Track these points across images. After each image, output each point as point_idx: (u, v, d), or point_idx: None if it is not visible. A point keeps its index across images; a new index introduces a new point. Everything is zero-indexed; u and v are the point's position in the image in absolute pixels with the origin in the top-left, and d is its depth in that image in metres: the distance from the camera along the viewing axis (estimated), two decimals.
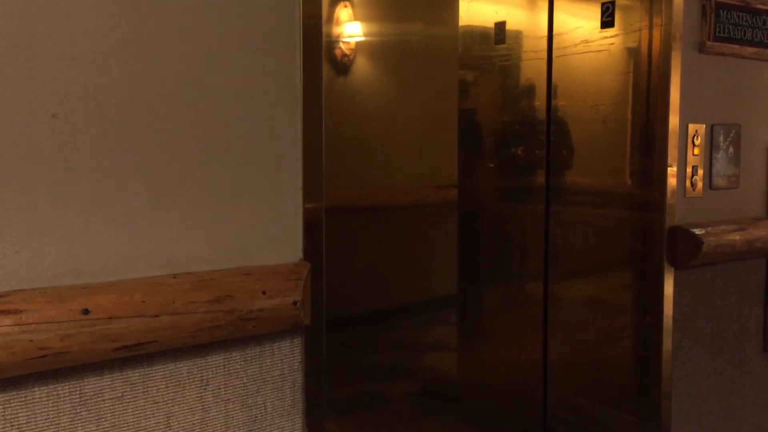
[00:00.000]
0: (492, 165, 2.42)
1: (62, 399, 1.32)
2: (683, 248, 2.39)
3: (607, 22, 2.35)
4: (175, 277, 1.40)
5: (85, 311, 1.28)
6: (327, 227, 1.68)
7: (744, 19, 2.55)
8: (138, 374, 1.41)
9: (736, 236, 2.50)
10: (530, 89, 2.38)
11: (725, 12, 2.49)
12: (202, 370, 1.49)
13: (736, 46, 2.53)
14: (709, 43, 2.44)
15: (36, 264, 1.29)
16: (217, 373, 1.51)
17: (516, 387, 2.47)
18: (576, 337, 2.52)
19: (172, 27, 1.42)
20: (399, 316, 2.18)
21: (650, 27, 2.40)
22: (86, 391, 1.35)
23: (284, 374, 1.61)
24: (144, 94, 1.39)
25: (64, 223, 1.31)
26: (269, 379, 1.59)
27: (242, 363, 1.54)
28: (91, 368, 1.35)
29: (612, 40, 2.38)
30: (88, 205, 1.33)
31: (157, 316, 1.35)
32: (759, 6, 2.59)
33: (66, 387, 1.33)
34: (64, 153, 1.30)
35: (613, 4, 2.35)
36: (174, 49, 1.42)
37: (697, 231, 2.39)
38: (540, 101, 2.34)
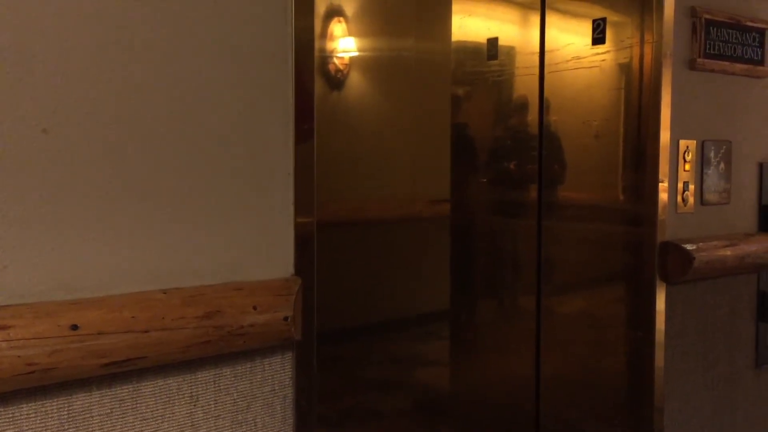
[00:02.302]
0: (484, 179, 2.43)
1: (50, 415, 1.31)
2: (675, 263, 2.40)
3: (598, 39, 2.37)
4: (165, 293, 1.40)
5: (74, 327, 1.27)
6: (318, 241, 1.68)
7: (734, 36, 2.57)
8: (127, 390, 1.40)
9: (728, 252, 2.51)
10: (522, 105, 2.39)
11: (715, 29, 2.51)
12: (191, 386, 1.48)
13: (727, 63, 2.55)
14: (699, 59, 2.46)
15: (25, 279, 1.28)
16: (206, 389, 1.50)
17: (508, 401, 2.46)
18: (568, 352, 2.52)
19: (163, 42, 1.42)
20: (391, 331, 2.18)
21: (641, 44, 2.42)
22: (74, 407, 1.34)
23: (275, 390, 1.60)
24: (134, 108, 1.39)
25: (54, 238, 1.31)
26: (259, 395, 1.58)
27: (232, 379, 1.54)
28: (80, 384, 1.34)
29: (603, 56, 2.39)
30: (78, 220, 1.33)
31: (146, 331, 1.35)
32: (749, 23, 2.61)
33: (54, 403, 1.32)
34: (54, 168, 1.30)
35: (604, 20, 2.36)
36: (165, 64, 1.42)
37: (688, 246, 2.40)
38: (532, 116, 2.35)
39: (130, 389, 1.40)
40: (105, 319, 1.30)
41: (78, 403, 1.34)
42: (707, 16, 2.48)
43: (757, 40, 2.65)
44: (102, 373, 1.33)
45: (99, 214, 1.35)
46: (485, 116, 2.41)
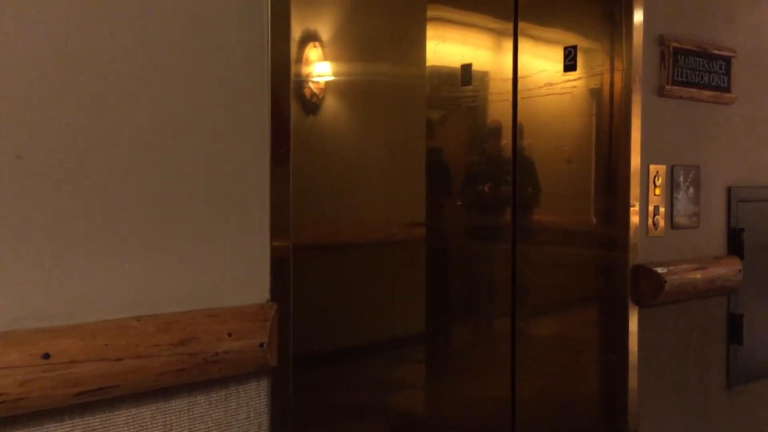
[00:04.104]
0: (459, 203, 2.45)
1: None
2: (646, 287, 2.43)
3: (569, 66, 2.42)
4: (138, 320, 1.38)
5: (46, 355, 1.25)
6: (294, 265, 1.67)
7: (701, 63, 2.64)
8: (99, 419, 1.38)
9: (698, 275, 2.55)
10: (496, 129, 2.42)
11: (683, 57, 2.57)
12: (165, 414, 1.46)
13: (694, 90, 2.61)
14: (668, 86, 2.52)
15: None
16: (180, 417, 1.48)
17: (484, 424, 2.46)
18: (543, 374, 2.53)
19: (137, 68, 1.42)
20: (367, 354, 2.17)
21: (611, 71, 2.47)
22: None
23: (250, 417, 1.59)
24: (109, 135, 1.38)
25: (25, 265, 1.29)
26: (234, 422, 1.56)
27: (207, 406, 1.52)
28: (51, 414, 1.31)
29: (575, 83, 2.44)
30: (51, 247, 1.31)
31: (120, 359, 1.33)
32: (715, 51, 2.68)
33: None
34: (27, 194, 1.29)
35: (575, 48, 2.41)
36: (139, 90, 1.42)
37: (659, 270, 2.43)
38: (506, 141, 2.38)
39: (103, 418, 1.38)
40: (77, 348, 1.29)
41: None
42: (675, 45, 2.54)
43: (723, 67, 2.72)
44: (74, 402, 1.31)
45: (72, 241, 1.34)
46: (460, 141, 2.43)
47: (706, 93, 2.66)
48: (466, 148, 2.45)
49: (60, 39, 1.32)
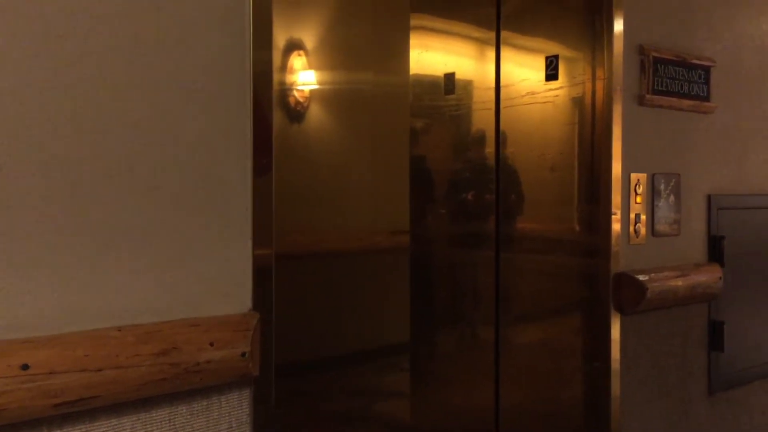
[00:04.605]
0: (443, 211, 2.45)
1: None
2: (628, 294, 2.45)
3: (551, 75, 2.44)
4: (119, 330, 1.38)
5: (25, 366, 1.24)
6: (277, 274, 1.67)
7: (680, 73, 2.67)
8: (79, 430, 1.36)
9: (679, 282, 2.57)
10: (480, 138, 2.43)
11: (663, 66, 2.60)
12: (146, 425, 1.45)
13: (674, 99, 2.64)
14: (648, 96, 2.55)
15: None
16: (162, 427, 1.47)
17: (469, 431, 2.47)
18: (527, 382, 2.54)
19: (118, 76, 1.41)
20: (351, 363, 2.17)
21: (593, 80, 2.49)
22: None
23: (232, 427, 1.58)
24: (89, 144, 1.38)
25: (4, 275, 1.28)
26: None
27: (188, 417, 1.51)
28: (30, 425, 1.30)
29: (556, 92, 2.46)
30: (29, 257, 1.30)
31: (100, 370, 1.32)
32: (694, 61, 2.71)
33: None
34: (6, 204, 1.28)
35: (556, 57, 2.43)
36: (120, 99, 1.42)
37: (641, 277, 2.45)
38: (489, 149, 2.39)
39: (83, 429, 1.37)
40: (57, 358, 1.28)
41: None
42: (655, 54, 2.57)
43: (702, 77, 2.75)
44: (53, 413, 1.30)
45: (52, 251, 1.33)
46: (443, 149, 2.44)
47: (686, 102, 2.69)
48: (449, 157, 2.46)
49: (40, 48, 1.32)
